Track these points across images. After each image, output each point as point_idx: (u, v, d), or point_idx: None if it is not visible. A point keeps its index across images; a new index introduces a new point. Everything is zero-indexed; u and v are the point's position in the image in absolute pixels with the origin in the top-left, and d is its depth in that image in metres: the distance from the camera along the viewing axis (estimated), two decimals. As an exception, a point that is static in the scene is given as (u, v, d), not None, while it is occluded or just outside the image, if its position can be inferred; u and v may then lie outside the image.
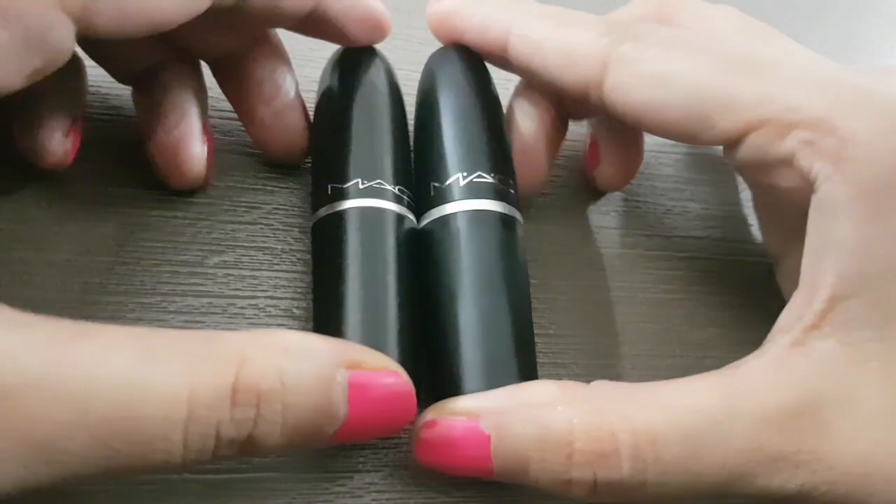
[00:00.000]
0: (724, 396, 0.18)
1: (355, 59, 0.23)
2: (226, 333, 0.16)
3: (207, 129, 0.22)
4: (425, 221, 0.21)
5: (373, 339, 0.19)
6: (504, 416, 0.18)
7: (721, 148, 0.21)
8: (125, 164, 0.23)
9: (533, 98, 0.24)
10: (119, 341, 0.15)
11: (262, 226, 0.23)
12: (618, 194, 0.28)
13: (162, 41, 0.21)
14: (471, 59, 0.23)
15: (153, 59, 0.22)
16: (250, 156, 0.24)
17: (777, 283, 0.25)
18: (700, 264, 0.27)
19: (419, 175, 0.22)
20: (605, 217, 0.27)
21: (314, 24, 0.22)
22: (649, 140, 0.27)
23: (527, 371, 0.20)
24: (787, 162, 0.19)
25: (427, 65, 0.24)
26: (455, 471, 0.18)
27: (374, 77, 0.23)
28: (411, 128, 0.23)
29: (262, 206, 0.23)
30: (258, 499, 0.20)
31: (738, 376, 0.18)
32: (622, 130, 0.25)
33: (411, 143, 0.23)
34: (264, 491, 0.20)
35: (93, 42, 0.21)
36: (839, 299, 0.18)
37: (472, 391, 0.19)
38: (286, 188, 0.24)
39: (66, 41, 0.16)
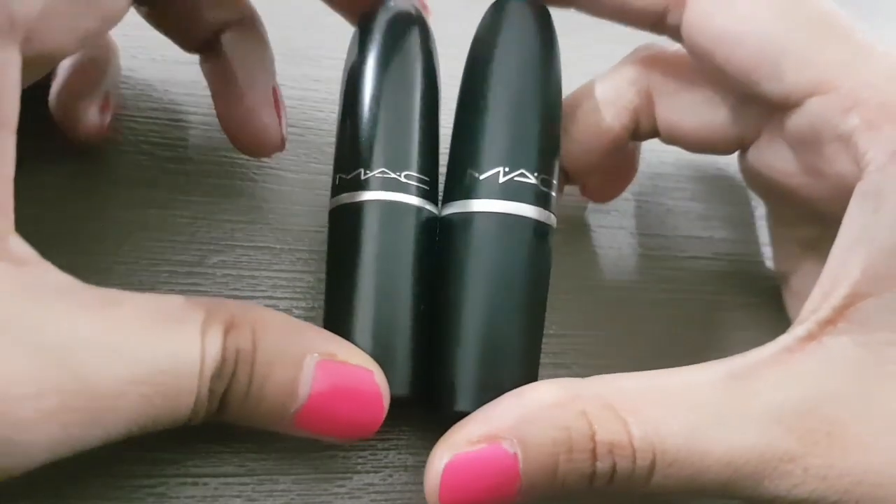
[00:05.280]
0: (729, 389, 0.17)
1: (387, 20, 0.21)
2: (225, 301, 0.17)
3: (277, 94, 0.22)
4: (453, 210, 0.20)
5: (382, 347, 0.18)
6: (524, 428, 0.17)
7: (722, 158, 0.20)
8: (125, 164, 0.23)
9: None
10: (144, 306, 0.16)
11: (261, 225, 0.23)
12: (619, 193, 0.27)
13: (223, 3, 0.21)
14: (537, 19, 0.21)
15: (217, 23, 0.21)
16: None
17: (784, 300, 0.25)
18: (701, 264, 0.27)
19: (456, 151, 0.21)
20: (605, 216, 0.27)
21: None
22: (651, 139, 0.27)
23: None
24: (843, 139, 0.18)
25: (484, 20, 0.21)
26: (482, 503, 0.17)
27: (407, 44, 0.21)
28: (448, 92, 0.22)
29: (260, 205, 0.23)
30: (258, 499, 0.20)
31: (744, 367, 0.18)
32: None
33: (438, 116, 0.21)
34: (263, 492, 0.20)
35: (156, 12, 0.21)
36: (860, 297, 0.17)
37: (468, 408, 0.18)
38: (286, 187, 0.24)
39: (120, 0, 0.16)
